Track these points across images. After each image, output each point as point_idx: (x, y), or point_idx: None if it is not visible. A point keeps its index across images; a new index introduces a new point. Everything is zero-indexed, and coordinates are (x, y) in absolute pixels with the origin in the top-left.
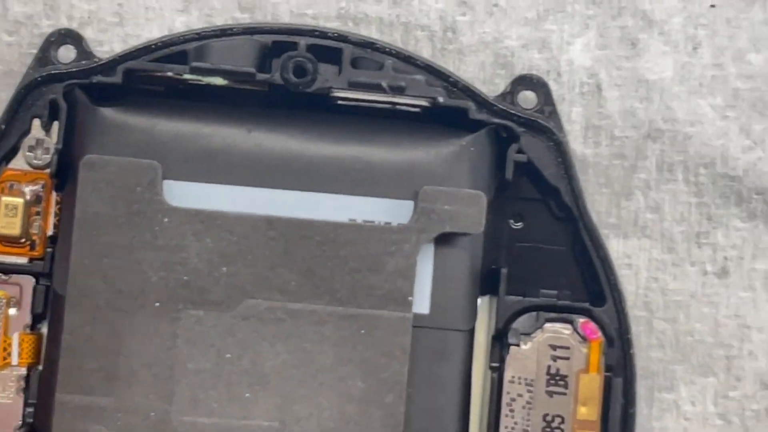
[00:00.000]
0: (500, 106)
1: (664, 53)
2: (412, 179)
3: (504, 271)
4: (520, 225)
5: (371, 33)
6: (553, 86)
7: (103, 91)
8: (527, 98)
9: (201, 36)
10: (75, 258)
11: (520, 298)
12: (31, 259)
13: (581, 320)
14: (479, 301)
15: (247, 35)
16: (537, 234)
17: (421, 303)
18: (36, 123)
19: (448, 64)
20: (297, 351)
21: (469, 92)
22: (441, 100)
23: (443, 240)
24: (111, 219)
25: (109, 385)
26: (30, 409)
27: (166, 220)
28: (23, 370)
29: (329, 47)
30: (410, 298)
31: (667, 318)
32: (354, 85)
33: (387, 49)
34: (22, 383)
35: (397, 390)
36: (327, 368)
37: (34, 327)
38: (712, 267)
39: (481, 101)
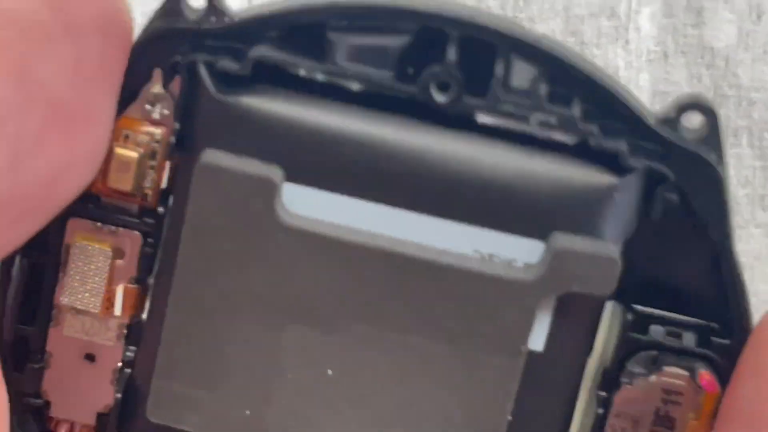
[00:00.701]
0: (661, 134)
1: (728, 21)
2: (546, 219)
3: (628, 316)
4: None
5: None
6: (621, 53)
7: (229, 75)
8: (690, 119)
9: (346, 12)
10: (182, 260)
11: (640, 337)
12: (141, 212)
13: (701, 371)
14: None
15: (395, 18)
16: (670, 260)
17: (536, 342)
18: (157, 75)
19: None
20: (399, 378)
21: (630, 121)
22: (592, 142)
23: (571, 299)
24: (222, 228)
25: (207, 379)
26: (129, 354)
27: (279, 238)
28: (125, 320)
29: (480, 50)
30: (522, 349)
31: None
32: (501, 113)
33: (547, 54)
34: (124, 330)
35: (498, 425)
36: (428, 398)
37: (139, 281)
38: None
39: (641, 131)
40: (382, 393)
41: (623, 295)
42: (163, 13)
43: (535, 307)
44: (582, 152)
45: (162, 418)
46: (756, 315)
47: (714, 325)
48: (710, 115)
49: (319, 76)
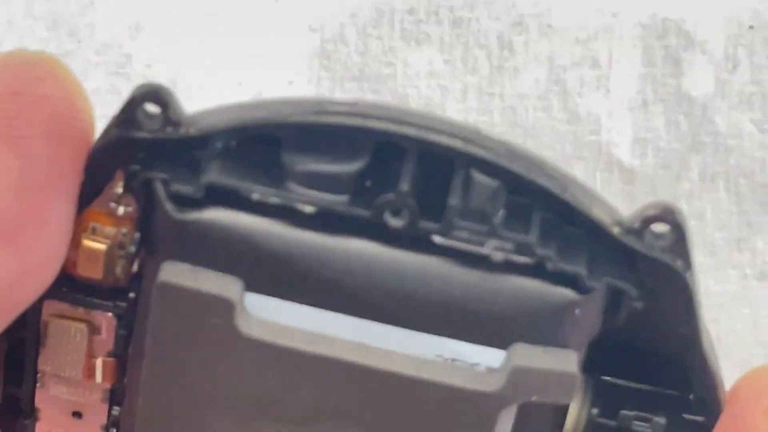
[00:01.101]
0: (626, 244)
1: (705, 71)
2: (507, 330)
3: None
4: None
5: (432, 53)
6: (602, 101)
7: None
8: (658, 229)
9: (301, 124)
10: (147, 367)
11: (608, 422)
12: (115, 291)
13: None
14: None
15: (350, 124)
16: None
17: None
18: (119, 176)
19: (505, 80)
20: None
21: (592, 232)
22: (549, 267)
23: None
24: (185, 342)
25: None
26: (115, 413)
27: (240, 350)
28: (108, 385)
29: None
30: None
31: (710, 318)
32: (456, 239)
33: (506, 170)
34: (108, 394)
35: None
36: None
37: (117, 353)
38: (751, 270)
39: (604, 241)
40: None
41: (591, 367)
42: (118, 121)
43: (496, 416)
44: (541, 271)
45: None
46: (733, 354)
47: (686, 397)
48: (676, 224)
49: (273, 200)
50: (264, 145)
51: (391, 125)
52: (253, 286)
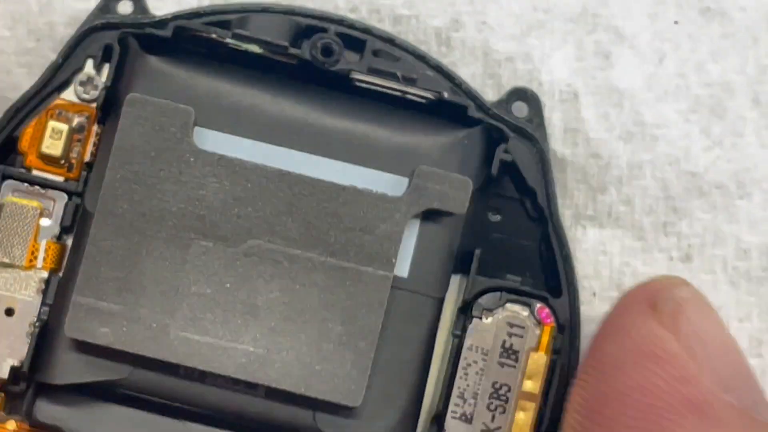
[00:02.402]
0: (496, 111)
1: (633, 65)
2: (410, 160)
3: (477, 251)
4: (497, 218)
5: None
6: (537, 90)
7: (154, 42)
8: (520, 108)
9: (244, 9)
10: (108, 179)
11: (488, 278)
12: (66, 179)
13: (538, 305)
14: (452, 278)
15: (285, 14)
16: (511, 228)
17: (402, 267)
18: (89, 63)
19: None
20: (288, 291)
21: (470, 95)
22: (446, 95)
23: (429, 216)
24: (144, 151)
25: (120, 294)
26: (45, 308)
27: (192, 159)
28: (45, 274)
29: (355, 37)
30: (393, 260)
31: None
32: (372, 71)
33: (405, 46)
34: (43, 285)
35: (370, 338)
36: (312, 309)
37: (60, 238)
38: (677, 253)
39: (479, 104)
40: (272, 304)
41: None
42: (97, 12)
43: (404, 221)
44: (437, 111)
45: (78, 334)
46: None
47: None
48: (535, 103)
49: (228, 40)
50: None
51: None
52: (203, 122)
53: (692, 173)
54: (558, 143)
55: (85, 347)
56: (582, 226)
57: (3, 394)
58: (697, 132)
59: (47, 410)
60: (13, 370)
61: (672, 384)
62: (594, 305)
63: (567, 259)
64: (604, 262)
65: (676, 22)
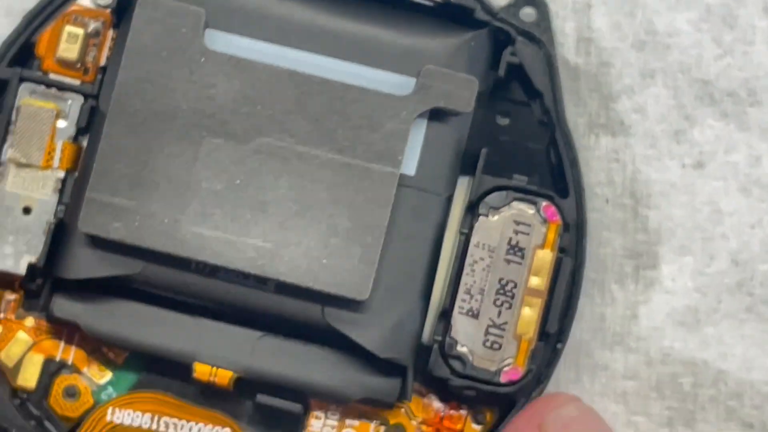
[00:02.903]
0: (503, 15)
1: None
2: (417, 60)
3: (484, 150)
4: (506, 121)
5: None
6: (549, 4)
7: None
8: (528, 14)
9: None
10: (121, 79)
11: (495, 177)
12: (82, 83)
13: (544, 203)
14: (459, 180)
15: None
16: (519, 132)
17: (409, 166)
18: None
19: None
20: (297, 187)
21: (482, 2)
22: None
23: (436, 116)
24: (156, 51)
25: (133, 190)
26: (62, 207)
27: (202, 59)
28: (62, 174)
29: None
30: (400, 158)
31: (650, 205)
32: None
33: None
34: (59, 185)
35: (377, 233)
36: (320, 205)
37: (76, 139)
38: (689, 160)
39: (486, 7)
40: (281, 200)
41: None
42: None
43: (411, 119)
44: (445, 14)
45: (92, 228)
46: (672, 239)
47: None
48: (542, 8)
49: None
50: None
51: None
52: (212, 23)
53: (704, 81)
54: (571, 53)
55: (98, 243)
56: (595, 135)
57: (22, 292)
58: (709, 40)
59: (63, 305)
60: (31, 267)
61: None
62: (607, 212)
63: (574, 161)
64: (616, 169)
65: None
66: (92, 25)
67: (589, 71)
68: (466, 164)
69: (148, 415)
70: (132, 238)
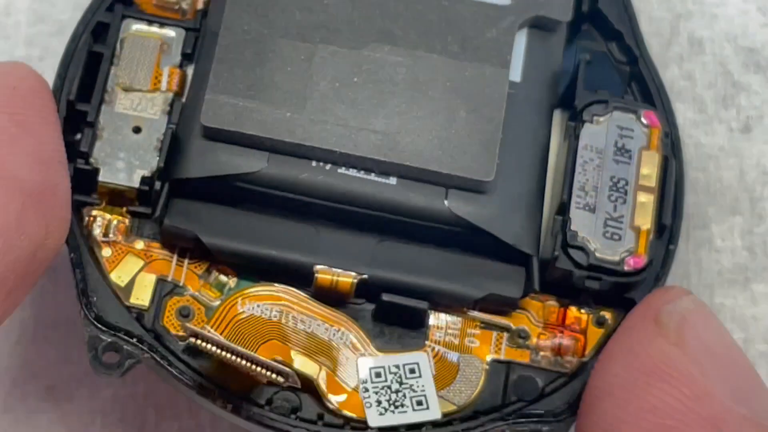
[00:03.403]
0: None
1: None
2: None
3: (584, 57)
4: (588, 57)
5: None
6: None
7: None
8: None
9: None
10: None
11: (592, 93)
12: (184, 21)
13: (644, 111)
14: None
15: None
16: (598, 74)
17: (515, 73)
18: None
19: None
20: (413, 82)
21: None
22: None
23: (537, 25)
24: None
25: (251, 91)
26: (172, 126)
27: None
28: (170, 95)
29: None
30: (508, 58)
31: (700, 168)
32: None
33: None
34: (168, 107)
35: (496, 122)
36: (438, 97)
37: (181, 66)
38: (736, 124)
39: None
40: (400, 94)
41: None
42: None
43: (514, 26)
44: None
45: (214, 121)
46: (721, 200)
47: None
48: None
49: None
50: None
51: None
52: None
53: (750, 49)
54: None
55: (219, 140)
56: None
57: (130, 217)
58: (755, 10)
59: (179, 215)
60: (144, 179)
61: (685, 402)
62: None
63: (661, 87)
64: None
65: None
66: None
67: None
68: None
69: (276, 309)
70: (254, 130)
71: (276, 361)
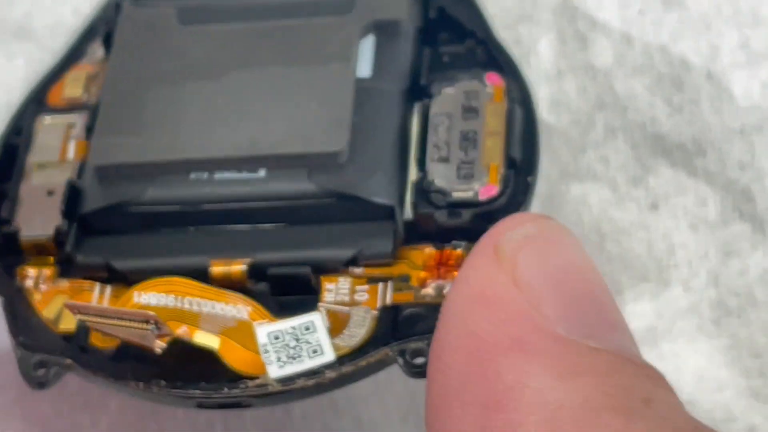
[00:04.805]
0: None
1: (606, 47)
2: None
3: (426, 51)
4: (446, 56)
5: None
6: (526, 71)
7: None
8: None
9: None
10: (111, 64)
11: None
12: (84, 104)
13: (486, 73)
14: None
15: None
16: (458, 65)
17: (365, 70)
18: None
19: None
20: (270, 92)
21: None
22: None
23: (381, 28)
24: (139, 43)
25: (134, 126)
26: (72, 180)
27: (177, 34)
28: (77, 163)
29: None
30: (352, 54)
31: (614, 240)
32: None
33: None
34: (76, 171)
35: (344, 103)
36: (292, 98)
37: (87, 138)
38: (645, 202)
39: None
40: (256, 103)
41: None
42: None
43: (356, 32)
44: None
45: (101, 159)
46: (632, 268)
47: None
48: None
49: None
50: None
51: None
52: (183, 19)
53: (657, 136)
54: (545, 113)
55: (111, 173)
56: (566, 182)
57: (55, 266)
58: (661, 102)
59: (88, 250)
60: (57, 228)
61: (497, 325)
62: None
63: (508, 60)
64: (584, 211)
65: (640, 11)
66: (93, 70)
67: (560, 128)
68: (413, 94)
69: (171, 296)
70: (137, 158)
71: (176, 337)
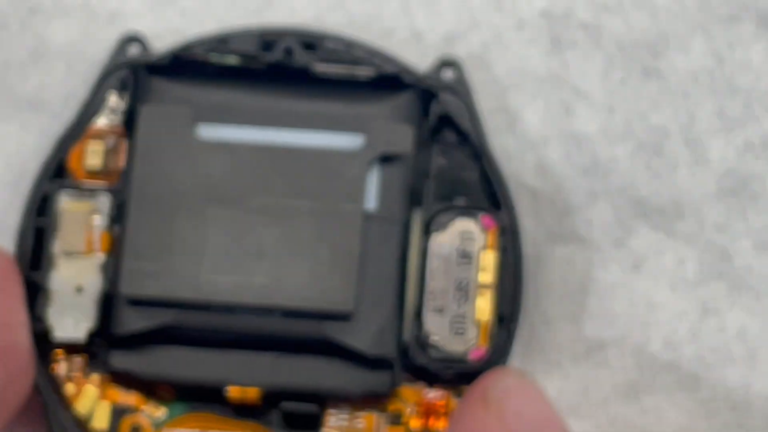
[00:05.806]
0: (427, 78)
1: (589, 115)
2: (363, 120)
3: (429, 182)
4: (443, 161)
5: None
6: (513, 139)
7: (158, 69)
8: (447, 75)
9: (223, 34)
10: (135, 175)
11: (440, 202)
12: (109, 184)
13: (481, 214)
14: (416, 211)
15: (254, 32)
16: (456, 166)
17: (371, 202)
18: (113, 95)
19: None
20: (285, 233)
21: (405, 70)
22: (387, 69)
23: (386, 161)
24: (160, 148)
25: (159, 256)
26: (106, 282)
27: (196, 148)
28: (102, 256)
29: (310, 42)
30: (361, 195)
31: (596, 298)
32: (324, 60)
33: (352, 42)
34: (101, 267)
35: (352, 257)
36: (305, 244)
37: (110, 228)
38: (627, 263)
39: (411, 73)
40: (274, 245)
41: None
42: (114, 56)
43: (365, 166)
44: (379, 84)
45: (131, 290)
46: (615, 325)
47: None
48: (458, 69)
49: (211, 55)
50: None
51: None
52: (199, 118)
53: (638, 200)
54: (531, 178)
55: (138, 302)
56: (551, 243)
57: (86, 355)
58: (642, 167)
59: (119, 358)
60: (89, 332)
61: None
62: (562, 305)
63: (500, 180)
64: (569, 271)
65: (622, 81)
66: (111, 140)
67: (546, 192)
68: (419, 197)
69: (197, 431)
70: (163, 293)
71: None
